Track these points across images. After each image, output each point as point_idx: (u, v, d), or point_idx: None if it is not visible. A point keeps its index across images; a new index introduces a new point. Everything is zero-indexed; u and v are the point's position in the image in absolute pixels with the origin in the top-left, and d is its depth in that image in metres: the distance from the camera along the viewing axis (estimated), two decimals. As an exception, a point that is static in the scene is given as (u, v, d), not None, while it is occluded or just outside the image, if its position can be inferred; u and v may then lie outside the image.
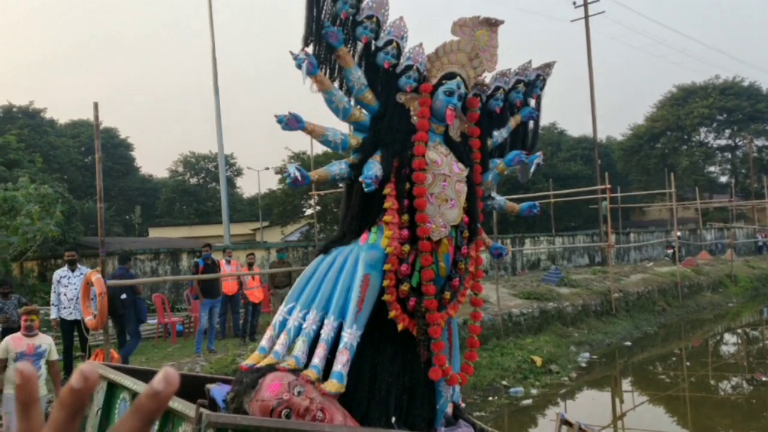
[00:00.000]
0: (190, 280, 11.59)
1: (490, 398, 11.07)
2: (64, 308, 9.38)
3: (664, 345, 17.03)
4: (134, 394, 3.87)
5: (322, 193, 20.86)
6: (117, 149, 46.71)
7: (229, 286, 11.84)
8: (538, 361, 12.63)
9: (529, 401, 11.09)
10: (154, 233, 40.60)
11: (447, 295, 4.14)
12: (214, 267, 11.26)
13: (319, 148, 26.58)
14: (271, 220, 37.11)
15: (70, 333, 9.56)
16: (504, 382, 11.61)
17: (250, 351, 9.83)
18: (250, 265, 12.87)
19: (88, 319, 7.90)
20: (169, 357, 10.61)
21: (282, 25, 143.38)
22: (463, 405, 4.79)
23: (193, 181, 53.78)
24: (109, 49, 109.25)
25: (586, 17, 28.55)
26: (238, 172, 53.47)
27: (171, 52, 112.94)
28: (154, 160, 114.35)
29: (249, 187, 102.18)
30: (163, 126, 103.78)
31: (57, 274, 9.55)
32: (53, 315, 9.51)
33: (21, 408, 0.52)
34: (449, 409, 4.46)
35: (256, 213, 41.89)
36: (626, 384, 13.57)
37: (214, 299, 11.27)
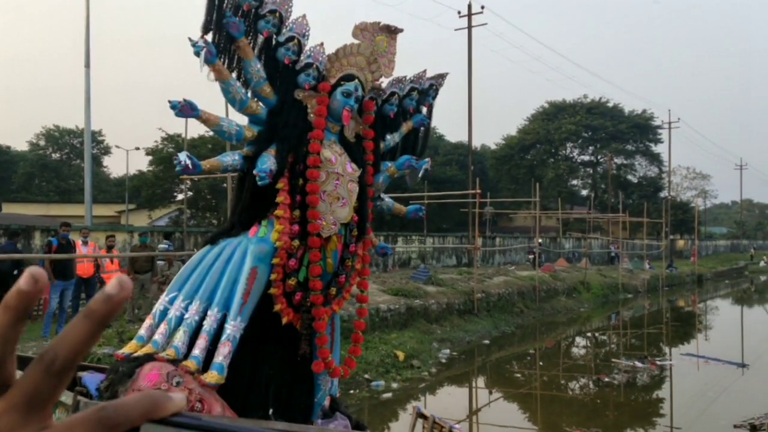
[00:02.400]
0: (41, 259, 10.87)
1: (351, 391, 11.17)
2: None
3: (520, 345, 17.92)
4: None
5: (195, 178, 20.24)
6: (-29, 116, 43.20)
7: (84, 268, 11.20)
8: (401, 355, 12.90)
9: (389, 395, 11.29)
10: (8, 209, 37.81)
11: (333, 291, 4.19)
12: (68, 247, 10.64)
13: (194, 131, 25.74)
14: (139, 202, 35.58)
15: None
16: (366, 376, 11.75)
17: (102, 338, 9.40)
18: (110, 248, 12.23)
19: None
20: (12, 339, 9.88)
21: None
22: (340, 398, 4.84)
23: (56, 156, 50.64)
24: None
25: (469, 27, 29.52)
26: (106, 151, 50.89)
27: (40, 14, 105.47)
28: (14, 131, 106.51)
29: (117, 167, 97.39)
30: (26, 94, 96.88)
31: None
32: None
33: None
34: (327, 402, 4.52)
35: (122, 195, 40.01)
36: (482, 381, 14.15)
37: (67, 281, 10.66)
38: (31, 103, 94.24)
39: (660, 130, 55.44)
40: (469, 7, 29.71)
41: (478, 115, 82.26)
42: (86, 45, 23.09)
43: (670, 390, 12.97)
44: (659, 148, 56.31)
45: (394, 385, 11.74)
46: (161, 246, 15.05)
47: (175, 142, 30.26)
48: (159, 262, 13.93)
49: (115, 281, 0.49)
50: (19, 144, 64.86)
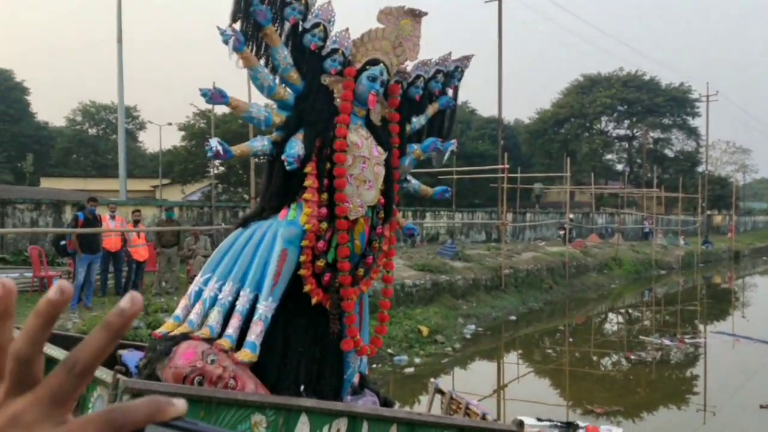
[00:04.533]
0: (68, 233, 11.10)
1: (374, 365, 11.23)
2: None
3: (549, 321, 17.81)
4: (47, 358, 3.79)
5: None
6: (11, 92, 44.01)
7: (111, 242, 11.41)
8: (425, 330, 12.93)
9: (411, 370, 11.33)
10: (46, 183, 38.61)
11: (360, 271, 4.32)
12: (94, 221, 10.82)
13: (224, 107, 25.89)
14: (172, 177, 36.01)
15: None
16: (389, 350, 11.81)
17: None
18: (136, 222, 12.42)
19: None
20: (43, 312, 10.13)
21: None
22: (368, 375, 4.99)
23: (92, 131, 51.43)
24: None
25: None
26: (141, 126, 51.53)
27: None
28: (52, 107, 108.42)
29: (152, 142, 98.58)
30: (64, 72, 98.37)
31: None
32: None
33: None
34: (356, 379, 4.65)
35: (157, 169, 40.55)
36: (509, 356, 14.12)
37: (93, 254, 10.85)
38: (67, 78, 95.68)
39: (698, 104, 54.13)
40: (501, -22, 29.23)
41: (511, 89, 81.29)
42: (118, 20, 23.33)
43: (704, 368, 12.79)
44: (697, 122, 55.12)
45: (417, 360, 11.79)
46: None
47: (206, 117, 30.48)
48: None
49: (127, 297, 0.55)
50: (57, 120, 66.19)
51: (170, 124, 40.84)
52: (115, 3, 23.04)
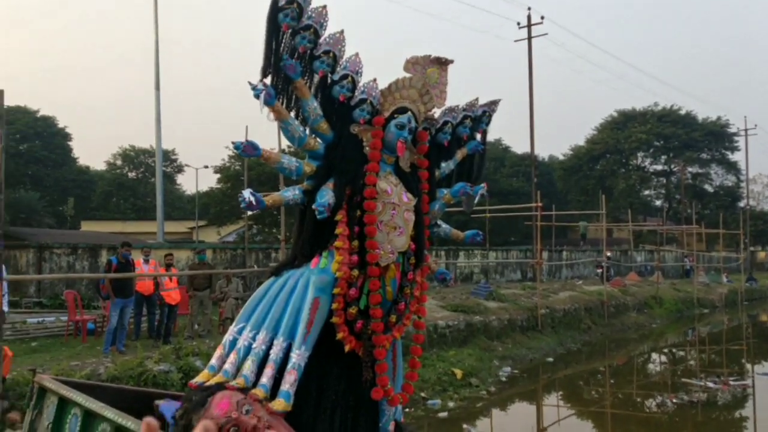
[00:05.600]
0: (101, 278, 11.23)
1: (407, 409, 11.02)
2: None
3: (588, 362, 17.36)
4: (85, 411, 3.98)
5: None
6: (54, 138, 45.30)
7: (145, 286, 11.51)
8: (459, 373, 12.67)
9: (445, 414, 11.08)
10: (87, 227, 39.46)
11: (393, 318, 4.32)
12: (127, 266, 10.93)
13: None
14: (209, 219, 36.49)
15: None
16: (423, 394, 11.58)
17: (159, 354, 9.60)
18: (168, 266, 12.52)
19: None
20: (76, 356, 10.21)
21: (228, 24, 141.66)
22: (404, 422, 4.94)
23: (132, 175, 52.57)
24: (45, 30, 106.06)
25: (529, 38, 29.11)
26: (179, 169, 52.52)
27: (115, 42, 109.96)
28: (93, 152, 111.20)
29: (190, 184, 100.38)
30: (104, 117, 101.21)
31: None
32: None
33: None
34: (391, 427, 4.63)
35: (194, 211, 41.14)
36: (548, 399, 13.75)
37: (126, 299, 10.95)
38: (107, 124, 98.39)
39: (736, 138, 53.24)
40: (529, 18, 29.33)
41: (545, 126, 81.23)
42: (156, 68, 24.03)
43: (753, 410, 12.29)
44: (736, 156, 54.10)
45: (451, 404, 11.53)
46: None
47: (241, 160, 30.91)
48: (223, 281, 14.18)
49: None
50: (98, 164, 67.79)
51: (206, 167, 41.51)
52: (153, 53, 23.78)
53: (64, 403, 4.29)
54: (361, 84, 4.36)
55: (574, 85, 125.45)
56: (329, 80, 4.27)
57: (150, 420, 0.56)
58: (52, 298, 16.49)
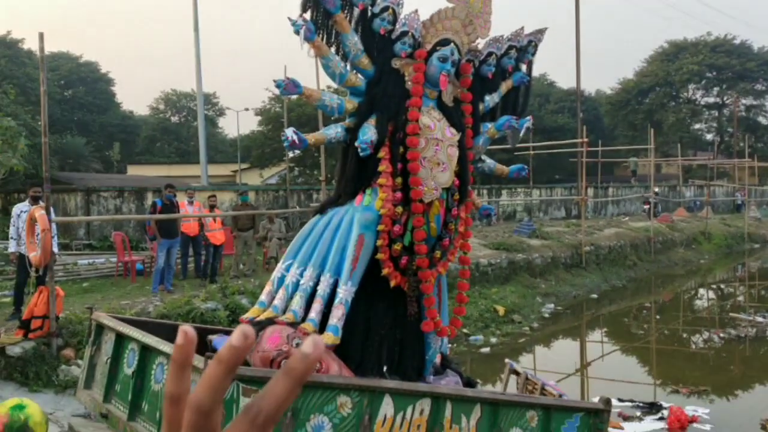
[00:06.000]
0: (146, 219, 11.40)
1: (450, 345, 11.09)
2: (23, 243, 9.17)
3: (633, 299, 17.18)
4: (142, 346, 4.13)
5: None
6: (97, 84, 45.78)
7: (189, 227, 11.70)
8: (501, 310, 12.67)
9: (487, 349, 11.13)
10: (133, 171, 40.12)
11: (437, 254, 4.37)
12: (172, 207, 11.09)
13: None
14: (251, 162, 36.70)
15: (26, 268, 9.37)
16: (465, 330, 11.62)
17: (206, 293, 9.77)
18: (212, 207, 12.66)
19: (32, 255, 7.74)
20: (126, 295, 10.50)
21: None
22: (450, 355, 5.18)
23: (175, 119, 53.04)
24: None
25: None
26: (221, 112, 52.72)
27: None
28: (136, 97, 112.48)
29: (232, 127, 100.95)
30: (146, 61, 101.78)
31: (17, 208, 9.28)
32: (11, 248, 9.32)
33: (175, 368, 0.54)
34: (438, 359, 4.73)
35: (237, 154, 41.43)
36: (589, 335, 13.68)
37: (172, 239, 11.13)
38: (150, 68, 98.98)
39: (795, 67, 50.78)
40: (577, -57, 28.03)
41: (592, 59, 78.68)
42: (194, 9, 23.81)
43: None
44: (794, 87, 51.71)
45: (493, 340, 11.57)
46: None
47: (281, 101, 30.83)
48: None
49: (309, 340, 0.53)
50: (141, 109, 68.55)
51: (247, 109, 41.50)
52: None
53: (121, 339, 4.42)
54: (402, 16, 4.25)
55: (622, 15, 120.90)
56: (369, 13, 4.18)
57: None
58: (101, 240, 16.92)
